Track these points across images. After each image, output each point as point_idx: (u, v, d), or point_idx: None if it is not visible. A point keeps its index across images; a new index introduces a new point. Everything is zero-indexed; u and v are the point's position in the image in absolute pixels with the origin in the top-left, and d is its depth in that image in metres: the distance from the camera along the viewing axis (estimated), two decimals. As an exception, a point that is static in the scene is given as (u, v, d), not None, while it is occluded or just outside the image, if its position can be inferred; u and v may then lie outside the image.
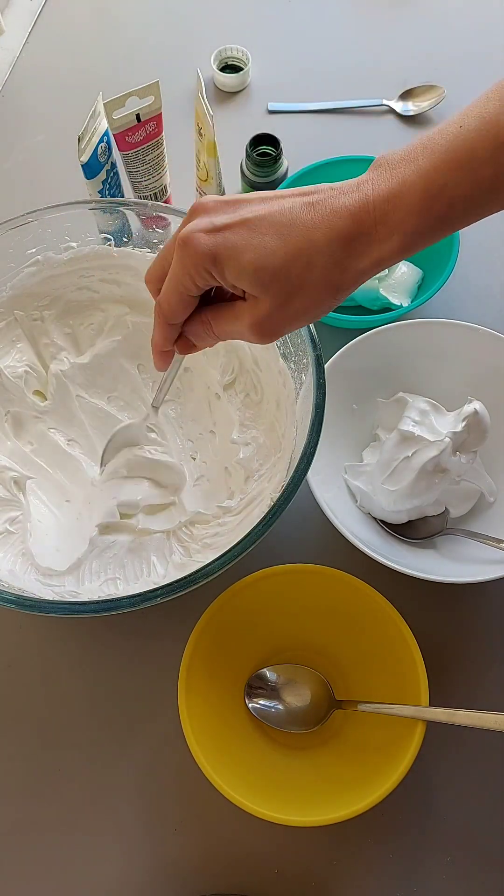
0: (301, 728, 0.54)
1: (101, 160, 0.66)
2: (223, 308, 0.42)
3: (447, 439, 0.57)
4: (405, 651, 0.52)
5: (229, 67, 0.88)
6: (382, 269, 0.40)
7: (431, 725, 0.51)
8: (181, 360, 0.49)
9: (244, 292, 0.40)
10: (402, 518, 0.61)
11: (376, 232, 0.38)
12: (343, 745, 0.54)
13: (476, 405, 0.60)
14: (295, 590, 0.56)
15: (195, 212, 0.40)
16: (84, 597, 0.56)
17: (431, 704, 0.51)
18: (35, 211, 0.59)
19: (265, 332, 0.41)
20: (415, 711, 0.49)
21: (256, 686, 0.55)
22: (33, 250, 0.61)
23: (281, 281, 0.38)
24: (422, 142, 0.38)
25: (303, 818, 0.48)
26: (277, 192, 0.40)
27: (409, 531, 0.61)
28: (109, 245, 0.63)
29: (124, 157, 0.68)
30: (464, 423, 0.58)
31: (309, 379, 0.52)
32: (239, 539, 0.47)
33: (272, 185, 0.75)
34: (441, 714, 0.48)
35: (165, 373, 0.51)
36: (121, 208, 0.61)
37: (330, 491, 0.60)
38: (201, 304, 0.43)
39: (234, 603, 0.54)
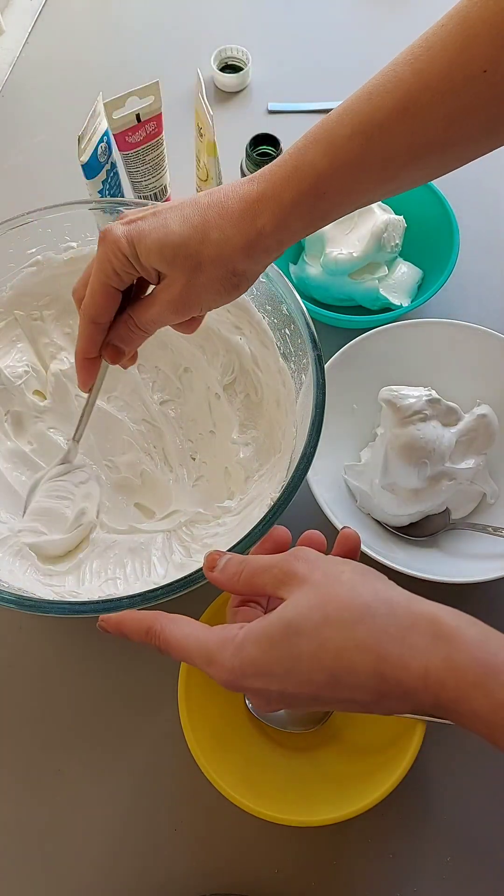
0: (301, 728, 0.54)
1: (101, 160, 0.67)
2: (140, 300, 0.46)
3: (425, 396, 0.59)
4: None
5: (229, 67, 0.88)
6: (270, 247, 0.43)
7: (431, 725, 0.50)
8: (100, 384, 0.51)
9: (158, 277, 0.44)
10: (403, 521, 0.61)
11: (257, 207, 0.42)
12: (343, 745, 0.54)
13: (485, 409, 0.60)
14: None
15: (117, 219, 0.45)
16: (84, 597, 0.56)
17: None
18: (35, 211, 0.59)
19: (180, 307, 0.44)
20: None
21: None
22: (33, 250, 0.61)
23: (182, 256, 0.42)
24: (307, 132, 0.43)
25: (303, 818, 0.48)
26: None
27: (410, 529, 0.61)
28: (109, 245, 0.62)
29: (124, 157, 0.68)
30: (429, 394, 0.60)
31: (309, 379, 0.52)
32: (239, 539, 0.47)
33: (272, 185, 0.75)
34: None
35: (87, 397, 0.53)
36: (121, 208, 0.61)
37: (330, 491, 0.60)
38: (121, 310, 0.46)
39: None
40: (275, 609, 0.37)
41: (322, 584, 0.36)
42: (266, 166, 0.43)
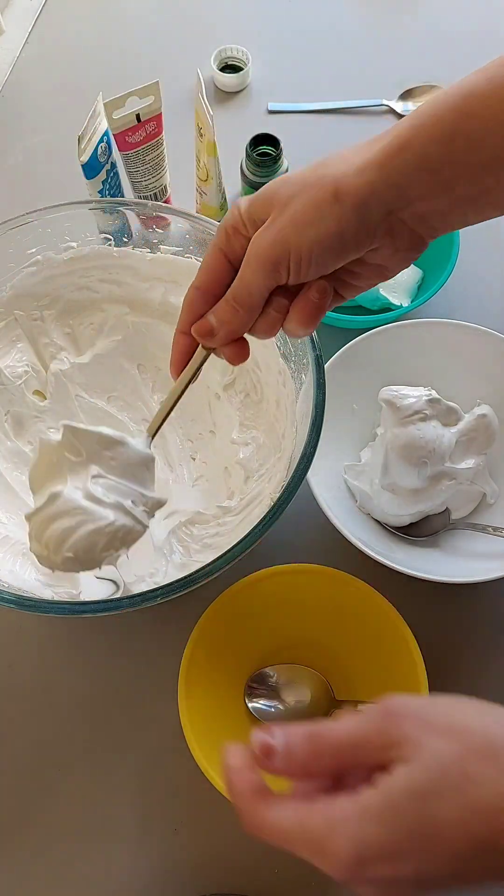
0: None
1: (101, 160, 0.66)
2: None
3: (425, 396, 0.59)
4: (405, 650, 0.52)
5: (229, 67, 0.88)
6: (391, 170, 0.34)
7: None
8: (191, 374, 0.43)
9: None
10: (403, 521, 0.61)
11: (389, 130, 0.36)
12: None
13: (485, 409, 0.60)
14: (295, 590, 0.56)
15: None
16: (84, 597, 0.56)
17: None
18: (35, 211, 0.59)
19: (264, 254, 0.36)
20: None
21: (256, 686, 0.55)
22: (33, 250, 0.61)
23: (290, 183, 0.36)
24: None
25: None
26: None
27: (410, 529, 0.61)
28: (109, 245, 0.63)
29: (124, 157, 0.68)
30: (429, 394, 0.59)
31: (309, 379, 0.52)
32: (239, 539, 0.47)
33: (272, 185, 0.75)
34: None
35: (172, 387, 0.44)
36: (121, 208, 0.61)
37: (330, 491, 0.60)
38: None
39: (234, 603, 0.54)
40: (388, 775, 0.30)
41: (446, 736, 0.30)
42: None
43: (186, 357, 0.42)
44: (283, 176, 0.37)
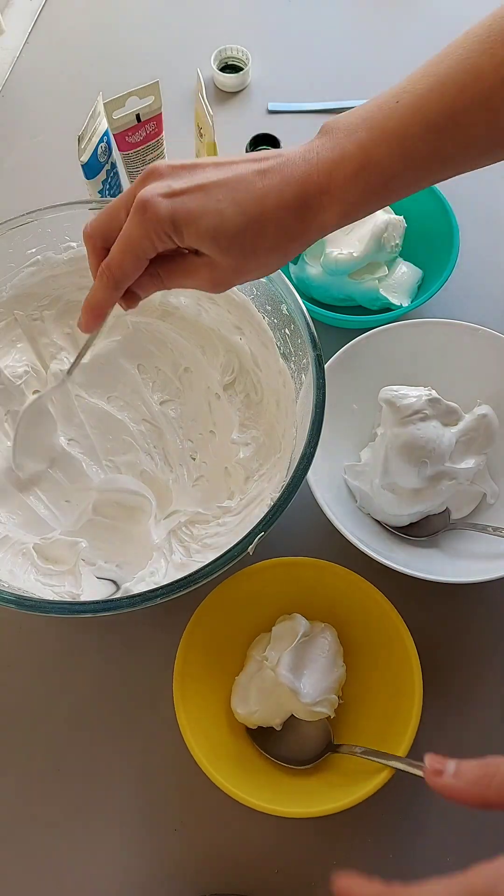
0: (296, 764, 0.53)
1: (101, 160, 0.67)
2: (176, 264, 0.44)
3: (425, 396, 0.58)
4: (401, 647, 0.52)
5: (229, 67, 0.88)
6: (324, 235, 0.43)
7: (430, 720, 0.51)
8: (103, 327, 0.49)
9: (198, 251, 0.42)
10: (403, 521, 0.61)
11: (319, 202, 0.41)
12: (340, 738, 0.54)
13: (485, 409, 0.60)
14: (290, 583, 0.56)
15: (150, 175, 0.42)
16: (84, 597, 0.56)
17: (426, 702, 0.51)
18: (35, 211, 0.59)
19: (221, 285, 0.44)
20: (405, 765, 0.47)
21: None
22: (33, 250, 0.61)
23: (237, 246, 0.41)
24: (363, 112, 0.41)
25: (301, 809, 0.48)
26: (230, 157, 0.43)
27: (410, 529, 0.61)
28: (109, 245, 0.63)
29: (124, 157, 0.68)
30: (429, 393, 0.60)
31: (309, 379, 0.52)
32: (239, 539, 0.47)
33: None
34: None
35: (88, 337, 0.51)
36: (121, 208, 0.61)
37: (330, 491, 0.60)
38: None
39: (228, 598, 0.55)
40: None
41: None
42: (320, 149, 0.41)
43: (102, 322, 0.47)
44: (224, 228, 0.41)
